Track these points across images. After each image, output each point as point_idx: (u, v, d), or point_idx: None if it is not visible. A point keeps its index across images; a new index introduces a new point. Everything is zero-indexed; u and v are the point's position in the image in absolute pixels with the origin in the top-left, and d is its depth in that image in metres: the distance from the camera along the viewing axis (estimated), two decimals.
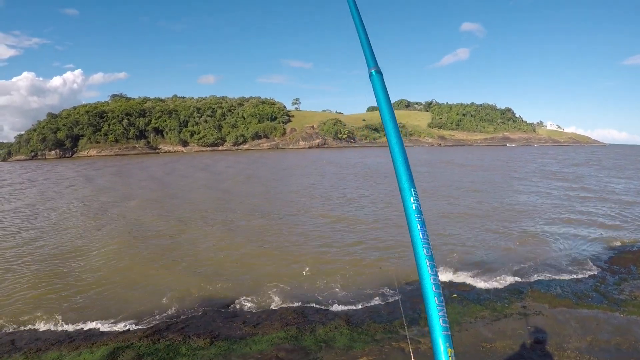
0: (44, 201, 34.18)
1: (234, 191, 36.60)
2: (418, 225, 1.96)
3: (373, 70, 2.42)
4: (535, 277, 13.24)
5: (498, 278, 13.29)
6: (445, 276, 13.61)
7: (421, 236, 1.95)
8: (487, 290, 12.31)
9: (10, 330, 11.09)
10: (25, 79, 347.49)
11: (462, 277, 13.56)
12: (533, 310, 10.52)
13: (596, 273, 13.49)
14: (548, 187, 36.14)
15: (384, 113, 2.27)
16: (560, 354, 8.16)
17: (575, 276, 13.23)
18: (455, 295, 11.90)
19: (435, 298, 1.86)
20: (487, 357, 8.17)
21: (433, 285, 1.87)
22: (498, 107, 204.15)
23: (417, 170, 43.02)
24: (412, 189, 2.05)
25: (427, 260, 1.90)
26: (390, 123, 2.24)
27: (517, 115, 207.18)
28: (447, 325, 1.81)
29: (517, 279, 13.21)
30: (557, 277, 13.17)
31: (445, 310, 1.83)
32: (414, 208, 2.00)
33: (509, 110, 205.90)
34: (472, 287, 12.63)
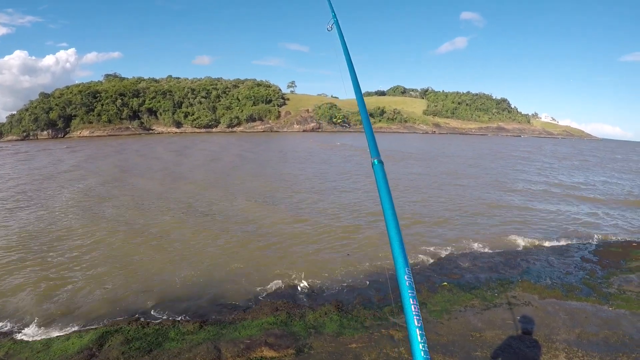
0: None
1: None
2: (411, 299, 1.95)
3: (375, 160, 2.61)
4: (525, 268, 13.31)
5: (488, 267, 13.37)
6: (436, 263, 13.73)
7: (413, 310, 1.93)
8: (478, 279, 12.35)
9: None
10: (17, 57, 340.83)
11: (453, 265, 13.65)
12: (523, 300, 10.56)
13: (586, 266, 13.56)
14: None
15: (385, 204, 2.36)
16: (549, 346, 8.20)
17: (565, 269, 13.28)
18: (445, 283, 11.94)
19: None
20: (476, 346, 8.19)
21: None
22: (494, 97, 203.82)
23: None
24: (406, 268, 2.09)
25: (418, 330, 1.85)
26: (389, 212, 2.32)
27: (512, 106, 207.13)
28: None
29: (507, 268, 13.30)
30: (547, 269, 13.25)
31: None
32: (407, 285, 2.01)
33: (504, 100, 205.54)
34: (462, 276, 12.67)
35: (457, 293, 11.18)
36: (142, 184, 30.79)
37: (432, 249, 15.24)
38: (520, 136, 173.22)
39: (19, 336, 9.70)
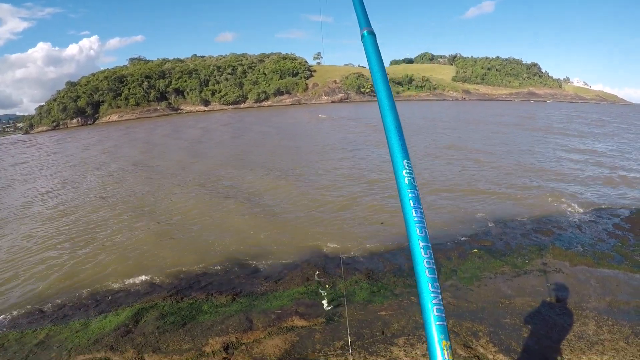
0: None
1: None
2: (411, 201, 1.87)
3: (365, 31, 2.32)
4: (556, 234, 13.12)
5: (520, 233, 13.26)
6: (468, 229, 13.72)
7: (414, 213, 1.85)
8: (509, 246, 12.28)
9: (36, 301, 11.48)
10: (40, 49, 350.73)
11: (484, 231, 13.63)
12: (553, 267, 10.45)
13: (618, 233, 13.19)
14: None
15: (376, 76, 2.14)
16: (579, 313, 8.11)
17: (596, 236, 13.00)
18: (475, 250, 11.92)
19: (429, 284, 1.77)
20: (506, 313, 8.19)
21: (427, 270, 1.78)
22: (524, 62, 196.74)
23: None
24: (405, 161, 1.93)
25: (421, 242, 1.81)
26: (382, 87, 2.11)
27: (543, 71, 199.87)
28: (443, 315, 1.72)
29: (539, 234, 13.14)
30: (578, 235, 13.01)
31: (440, 297, 1.74)
32: (406, 182, 1.90)
33: (535, 65, 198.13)
34: (493, 242, 12.61)
35: (487, 260, 11.16)
36: (162, 166, 31.48)
37: (462, 213, 15.26)
38: (545, 102, 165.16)
39: (57, 317, 10.19)
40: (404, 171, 1.91)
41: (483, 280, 9.87)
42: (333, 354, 7.22)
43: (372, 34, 2.31)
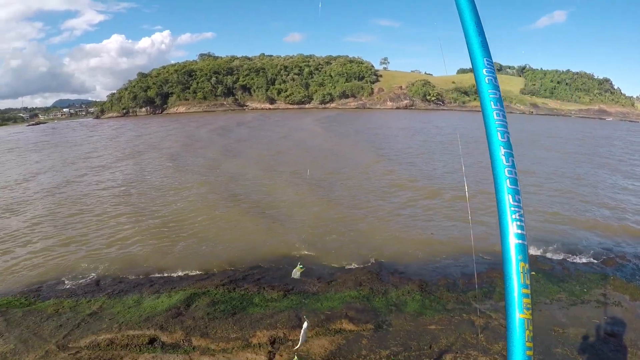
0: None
1: None
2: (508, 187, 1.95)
3: None
4: (619, 264, 12.61)
5: (582, 259, 12.91)
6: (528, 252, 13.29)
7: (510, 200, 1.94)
8: (568, 271, 11.97)
9: (95, 273, 12.41)
10: (114, 41, 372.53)
11: (544, 253, 13.33)
12: (612, 300, 10.05)
13: None
14: None
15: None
16: (635, 353, 7.78)
17: None
18: (533, 272, 11.59)
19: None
20: (557, 342, 8.02)
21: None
22: (595, 77, 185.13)
23: None
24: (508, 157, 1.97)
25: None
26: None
27: (615, 87, 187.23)
28: (524, 233, 1.87)
29: (600, 263, 12.69)
30: None
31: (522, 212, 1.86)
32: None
33: (606, 80, 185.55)
34: (552, 267, 12.32)
35: (544, 284, 10.92)
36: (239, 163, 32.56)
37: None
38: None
39: (112, 292, 10.93)
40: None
41: (538, 305, 9.67)
42: None
43: None
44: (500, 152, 1.92)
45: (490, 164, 1.97)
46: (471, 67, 2.16)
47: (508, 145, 1.93)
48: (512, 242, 1.93)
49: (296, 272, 6.68)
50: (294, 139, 47.02)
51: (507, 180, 1.91)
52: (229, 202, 19.59)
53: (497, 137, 1.92)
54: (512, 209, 1.91)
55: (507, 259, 1.93)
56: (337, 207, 18.69)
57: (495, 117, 1.94)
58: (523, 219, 1.91)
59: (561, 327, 8.61)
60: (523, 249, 1.92)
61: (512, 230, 1.92)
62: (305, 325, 5.55)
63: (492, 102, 1.92)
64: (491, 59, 2.05)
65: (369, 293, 10.27)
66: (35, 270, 12.75)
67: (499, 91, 1.98)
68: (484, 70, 1.97)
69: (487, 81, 1.95)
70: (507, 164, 1.90)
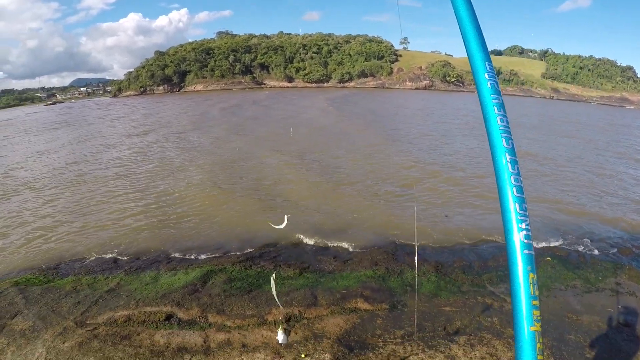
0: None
1: None
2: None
3: None
4: (635, 253, 12.54)
5: (598, 247, 12.80)
6: (543, 235, 13.39)
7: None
8: (583, 258, 11.92)
9: (113, 251, 12.71)
10: (131, 20, 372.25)
11: (560, 240, 13.26)
12: (627, 289, 10.01)
13: None
14: None
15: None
16: None
17: None
18: (548, 258, 11.65)
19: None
20: (570, 329, 8.06)
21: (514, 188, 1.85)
22: (619, 64, 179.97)
23: None
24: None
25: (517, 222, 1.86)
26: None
27: (638, 76, 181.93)
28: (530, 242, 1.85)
29: (616, 251, 12.62)
30: None
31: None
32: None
33: (630, 68, 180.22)
34: (568, 253, 12.28)
35: (559, 270, 10.91)
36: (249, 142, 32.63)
37: (542, 221, 14.73)
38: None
39: (130, 269, 11.17)
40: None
41: (553, 290, 9.73)
42: (392, 342, 7.51)
43: None
44: (506, 160, 1.85)
45: (494, 172, 1.90)
46: (471, 70, 2.10)
47: (513, 152, 1.87)
48: (520, 253, 1.87)
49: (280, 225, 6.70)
50: (303, 118, 47.16)
51: (514, 189, 1.84)
52: (241, 186, 19.83)
53: (502, 144, 1.85)
54: (519, 217, 1.84)
55: (514, 271, 1.87)
56: (351, 190, 18.80)
57: (500, 122, 1.87)
58: (530, 228, 1.85)
59: (575, 314, 8.64)
60: (531, 259, 1.86)
61: (519, 240, 1.86)
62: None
63: (495, 108, 1.86)
64: (492, 63, 1.98)
65: (384, 273, 10.39)
66: (54, 248, 13.13)
67: (501, 96, 1.92)
68: (486, 75, 1.90)
69: (489, 86, 1.89)
70: (512, 171, 1.83)
